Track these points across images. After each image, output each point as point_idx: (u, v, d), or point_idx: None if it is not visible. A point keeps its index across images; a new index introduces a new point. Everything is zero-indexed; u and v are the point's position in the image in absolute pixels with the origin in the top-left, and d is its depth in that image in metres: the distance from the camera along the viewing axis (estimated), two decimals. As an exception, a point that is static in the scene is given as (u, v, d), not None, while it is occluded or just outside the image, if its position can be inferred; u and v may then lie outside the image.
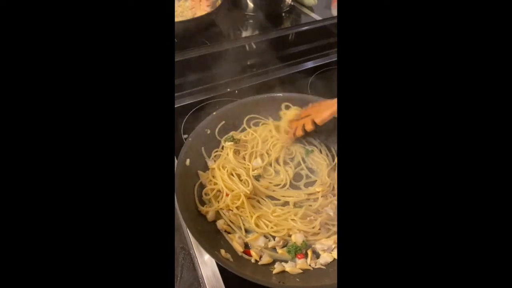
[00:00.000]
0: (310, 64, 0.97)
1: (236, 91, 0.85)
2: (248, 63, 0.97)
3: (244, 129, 0.71)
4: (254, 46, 0.99)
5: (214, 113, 0.66)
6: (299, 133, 0.64)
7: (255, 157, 0.65)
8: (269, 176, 0.63)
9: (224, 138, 0.67)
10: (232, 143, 0.64)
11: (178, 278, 0.50)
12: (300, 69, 0.95)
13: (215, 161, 0.63)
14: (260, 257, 0.51)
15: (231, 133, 0.68)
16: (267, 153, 0.66)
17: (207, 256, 0.50)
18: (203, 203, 0.58)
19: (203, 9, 1.10)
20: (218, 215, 0.56)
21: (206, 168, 0.63)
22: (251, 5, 1.14)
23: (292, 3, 1.21)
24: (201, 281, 0.49)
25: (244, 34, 1.13)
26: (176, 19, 1.03)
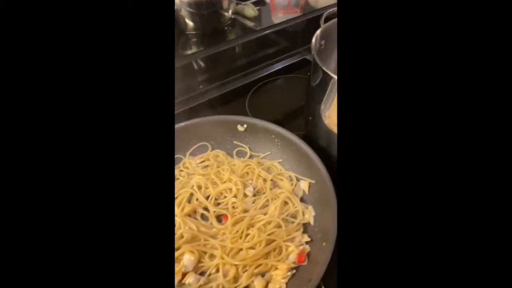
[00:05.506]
0: (250, 78, 0.99)
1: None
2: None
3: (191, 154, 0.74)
4: (196, 66, 1.00)
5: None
6: None
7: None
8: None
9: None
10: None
11: None
12: (239, 85, 0.96)
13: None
14: None
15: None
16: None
17: None
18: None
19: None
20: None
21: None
22: (190, 23, 1.15)
23: (233, 16, 1.23)
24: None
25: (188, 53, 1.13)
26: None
